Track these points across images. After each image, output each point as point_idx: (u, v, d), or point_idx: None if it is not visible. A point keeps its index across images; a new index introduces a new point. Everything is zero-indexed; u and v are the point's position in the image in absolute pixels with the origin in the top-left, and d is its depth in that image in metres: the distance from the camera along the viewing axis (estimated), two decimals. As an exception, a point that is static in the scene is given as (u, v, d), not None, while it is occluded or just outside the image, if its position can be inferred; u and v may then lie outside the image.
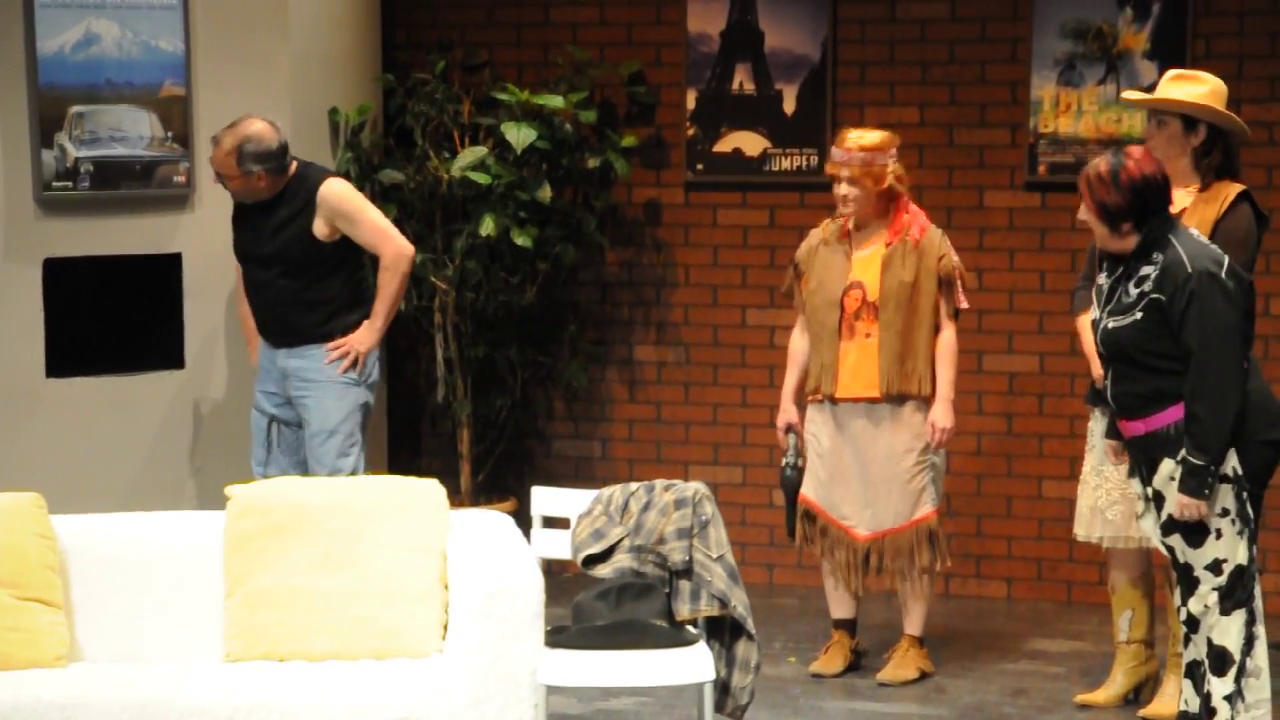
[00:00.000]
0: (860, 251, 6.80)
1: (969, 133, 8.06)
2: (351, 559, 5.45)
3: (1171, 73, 6.34)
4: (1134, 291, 5.55)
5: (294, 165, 7.00)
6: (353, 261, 7.04)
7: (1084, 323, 6.42)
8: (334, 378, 6.96)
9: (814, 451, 6.88)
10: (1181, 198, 6.19)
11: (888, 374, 6.71)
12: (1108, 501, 6.41)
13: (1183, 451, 5.49)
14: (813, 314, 6.85)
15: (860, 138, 6.78)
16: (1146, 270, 5.53)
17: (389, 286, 6.96)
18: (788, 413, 6.93)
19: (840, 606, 6.97)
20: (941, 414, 6.72)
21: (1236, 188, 6.16)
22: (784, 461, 6.89)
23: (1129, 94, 6.54)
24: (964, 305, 6.80)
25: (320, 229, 6.92)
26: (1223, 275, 5.48)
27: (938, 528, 6.81)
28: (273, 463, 7.12)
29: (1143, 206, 5.52)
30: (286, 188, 6.96)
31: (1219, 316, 5.45)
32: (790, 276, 6.99)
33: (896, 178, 6.76)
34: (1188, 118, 6.20)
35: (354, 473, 6.92)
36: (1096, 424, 6.43)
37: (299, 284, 6.95)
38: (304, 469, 7.04)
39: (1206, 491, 5.48)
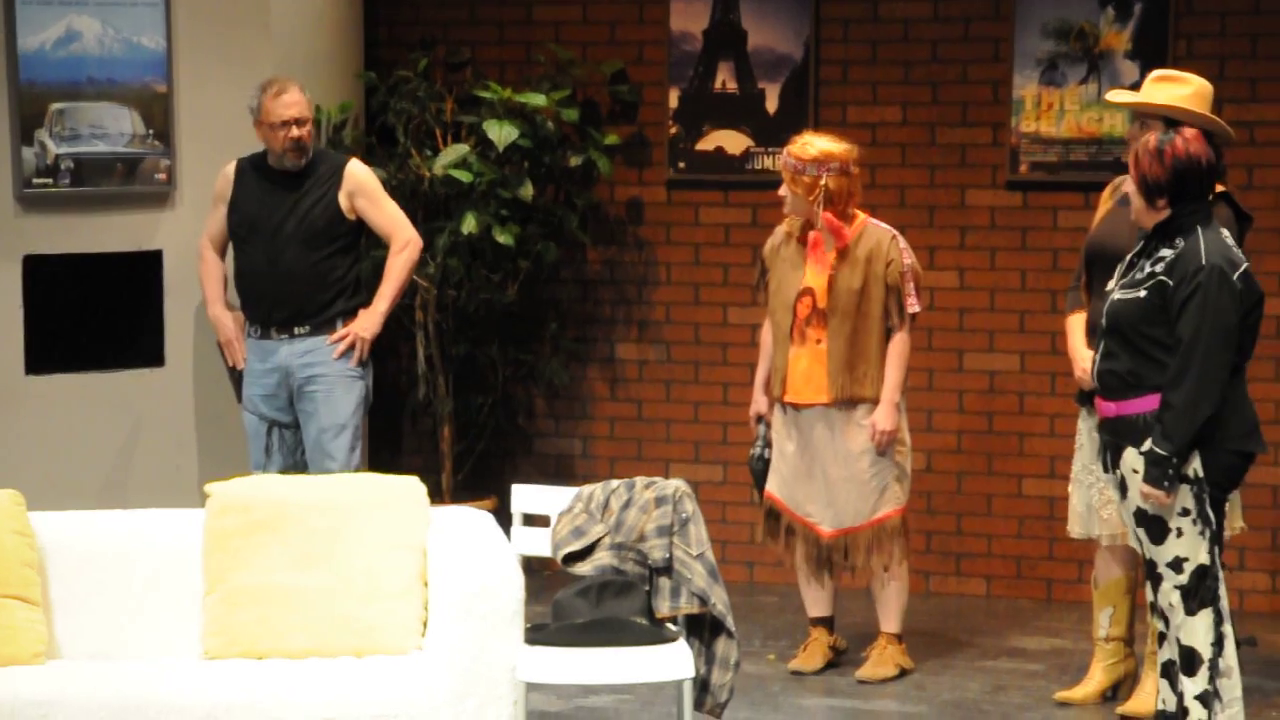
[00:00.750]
0: (812, 257, 6.82)
1: (951, 132, 8.07)
2: (331, 556, 5.45)
3: (1156, 73, 6.34)
4: (1147, 270, 5.59)
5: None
6: (357, 249, 7.12)
7: (1073, 322, 6.43)
8: (341, 370, 6.98)
9: (779, 451, 6.90)
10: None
11: (838, 380, 6.75)
12: (1101, 500, 6.42)
13: (1149, 440, 5.51)
14: (771, 314, 6.92)
15: (804, 146, 6.79)
16: (1165, 252, 5.56)
17: (398, 272, 7.05)
18: (758, 402, 6.99)
19: (817, 604, 6.99)
20: (883, 416, 6.74)
21: (1216, 188, 6.18)
22: (752, 453, 6.92)
23: (1114, 95, 6.54)
24: (913, 309, 6.79)
25: (345, 204, 7.00)
26: (1234, 277, 5.50)
27: (899, 527, 6.82)
28: (271, 466, 7.12)
29: (1181, 185, 5.54)
30: (315, 160, 7.03)
31: (1219, 314, 5.47)
32: (758, 271, 7.02)
33: (829, 191, 6.73)
34: (1169, 120, 6.21)
35: (360, 467, 6.96)
36: (1084, 423, 6.44)
37: (315, 257, 6.96)
38: (302, 469, 7.01)
39: (1167, 483, 5.49)
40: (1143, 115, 6.23)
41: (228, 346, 7.24)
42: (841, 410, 6.77)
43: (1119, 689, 6.59)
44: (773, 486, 6.91)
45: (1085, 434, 6.43)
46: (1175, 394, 5.48)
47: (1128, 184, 5.72)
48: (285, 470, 7.05)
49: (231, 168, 7.17)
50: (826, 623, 7.01)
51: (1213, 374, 5.48)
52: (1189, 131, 5.62)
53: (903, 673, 6.90)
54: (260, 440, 7.14)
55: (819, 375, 6.77)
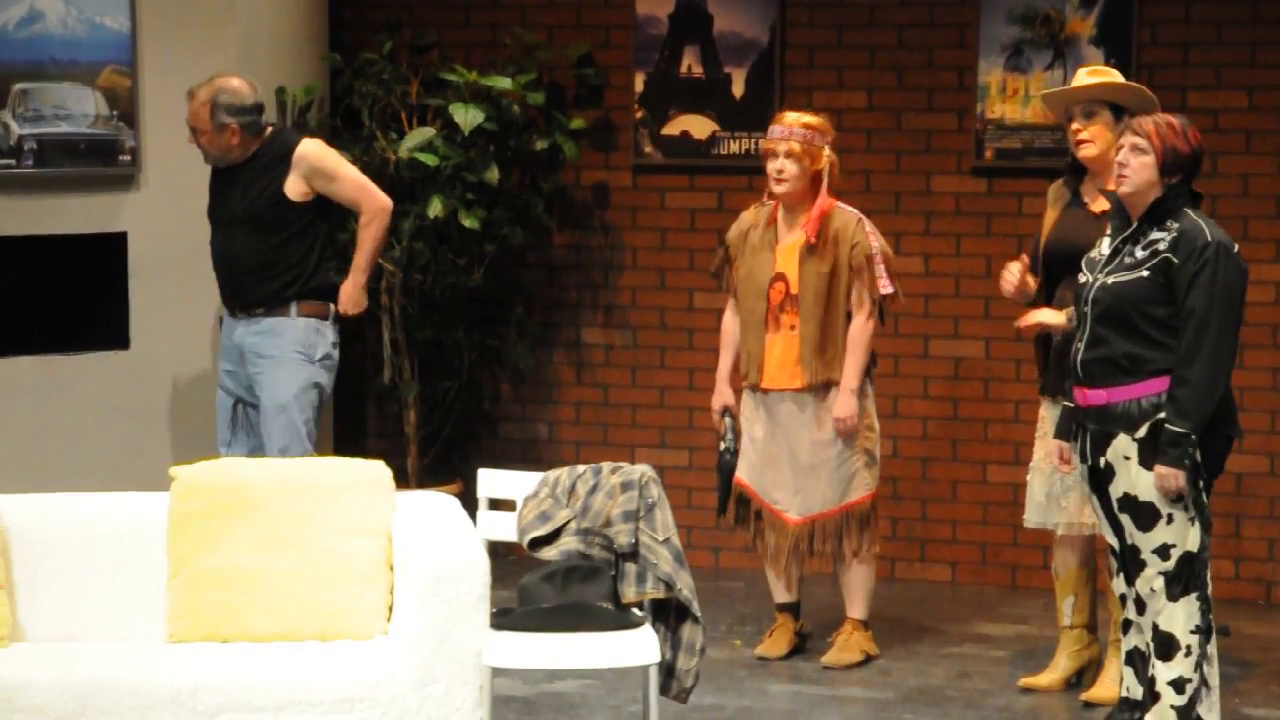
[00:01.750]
0: (783, 243, 6.82)
1: (917, 117, 8.08)
2: (296, 540, 5.43)
3: (1085, 69, 6.48)
4: (1142, 253, 5.59)
5: (269, 130, 7.00)
6: (320, 229, 7.01)
7: (1026, 316, 6.43)
8: (288, 353, 6.94)
9: (748, 437, 6.91)
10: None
11: (810, 365, 6.75)
12: (1062, 488, 6.44)
13: (1163, 422, 5.49)
14: (742, 302, 6.90)
15: (800, 117, 6.81)
16: (1158, 235, 5.57)
17: (368, 242, 6.99)
18: (723, 395, 6.97)
19: (782, 590, 6.99)
20: (840, 404, 6.74)
21: None
22: (722, 445, 6.91)
23: (1048, 92, 6.60)
24: (885, 290, 6.78)
25: (293, 188, 6.91)
26: (1235, 252, 5.54)
27: (869, 512, 6.83)
28: (236, 443, 7.09)
29: (1194, 167, 5.61)
30: (260, 149, 6.93)
31: (1228, 288, 5.50)
32: (720, 257, 7.01)
33: (830, 163, 6.76)
34: (1116, 108, 6.28)
35: (305, 453, 6.89)
36: (1048, 411, 6.45)
37: (263, 245, 6.91)
38: (263, 451, 6.99)
39: (1187, 462, 5.49)
40: (1089, 104, 6.30)
41: None
42: (813, 395, 6.77)
43: (1083, 675, 6.61)
44: (742, 472, 6.91)
45: (1049, 422, 6.44)
46: (1191, 370, 5.46)
47: (1125, 155, 5.65)
48: (252, 450, 7.02)
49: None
50: (792, 609, 7.02)
51: (1226, 348, 5.50)
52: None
53: (868, 658, 6.91)
54: (226, 415, 7.13)
55: (792, 361, 6.77)
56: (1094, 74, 6.40)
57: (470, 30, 8.55)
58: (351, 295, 7.01)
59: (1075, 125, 6.35)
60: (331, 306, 7.03)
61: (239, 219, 6.95)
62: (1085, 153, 6.36)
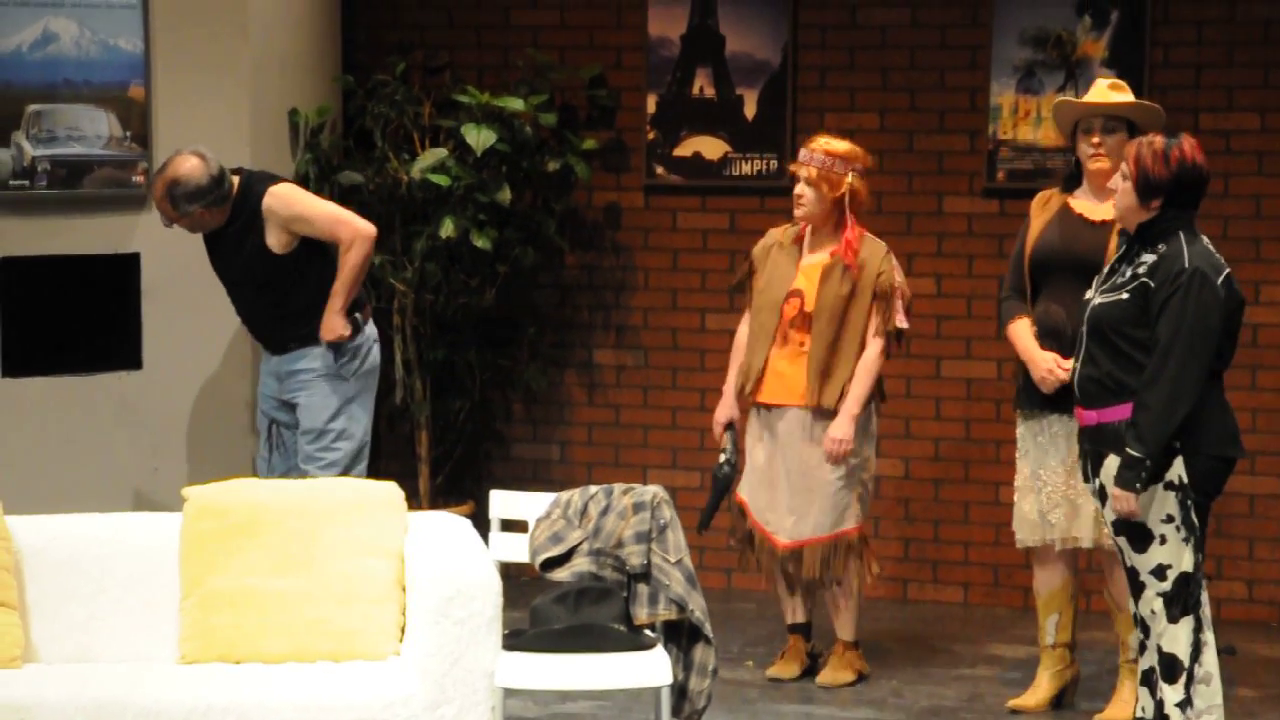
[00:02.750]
0: (806, 260, 6.83)
1: (929, 139, 8.09)
2: (308, 561, 5.44)
3: (1106, 82, 6.49)
4: (1129, 273, 5.60)
5: (235, 183, 6.91)
6: (318, 266, 6.95)
7: (1017, 329, 6.44)
8: (317, 376, 6.93)
9: (748, 455, 6.92)
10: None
11: (813, 386, 6.75)
12: (1049, 505, 6.45)
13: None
14: (756, 313, 6.91)
15: (828, 143, 6.81)
16: (1147, 257, 5.58)
17: (348, 266, 6.87)
18: (728, 409, 6.99)
19: (793, 612, 7.00)
20: (837, 425, 6.73)
21: None
22: (722, 458, 6.92)
23: (1064, 101, 6.63)
24: (902, 325, 6.80)
25: (274, 240, 6.86)
26: (1218, 282, 5.52)
27: (858, 544, 6.83)
28: (274, 462, 7.12)
29: (1178, 189, 5.57)
30: (235, 207, 6.90)
31: (1198, 317, 5.48)
32: (744, 270, 7.02)
33: (852, 191, 6.76)
34: (1132, 125, 6.31)
35: (346, 470, 6.90)
36: (1027, 430, 6.46)
37: (269, 299, 6.95)
38: (300, 471, 6.98)
39: (1138, 486, 5.50)
40: (1111, 119, 6.33)
41: None
42: (814, 416, 6.77)
43: (1064, 695, 6.61)
44: (742, 490, 6.93)
45: (1030, 440, 6.45)
46: (1150, 395, 5.49)
47: (1116, 180, 5.69)
48: (287, 471, 7.01)
49: None
50: (803, 630, 7.02)
51: (1189, 377, 5.49)
52: (1192, 140, 5.66)
53: (861, 677, 6.92)
54: (264, 434, 7.17)
55: (797, 378, 6.78)
56: (1115, 88, 6.41)
57: (483, 52, 8.57)
58: (328, 322, 6.92)
59: (1095, 139, 6.36)
60: (357, 317, 7.01)
61: (239, 280, 6.99)
62: (1099, 165, 6.37)
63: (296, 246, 6.89)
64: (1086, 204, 6.44)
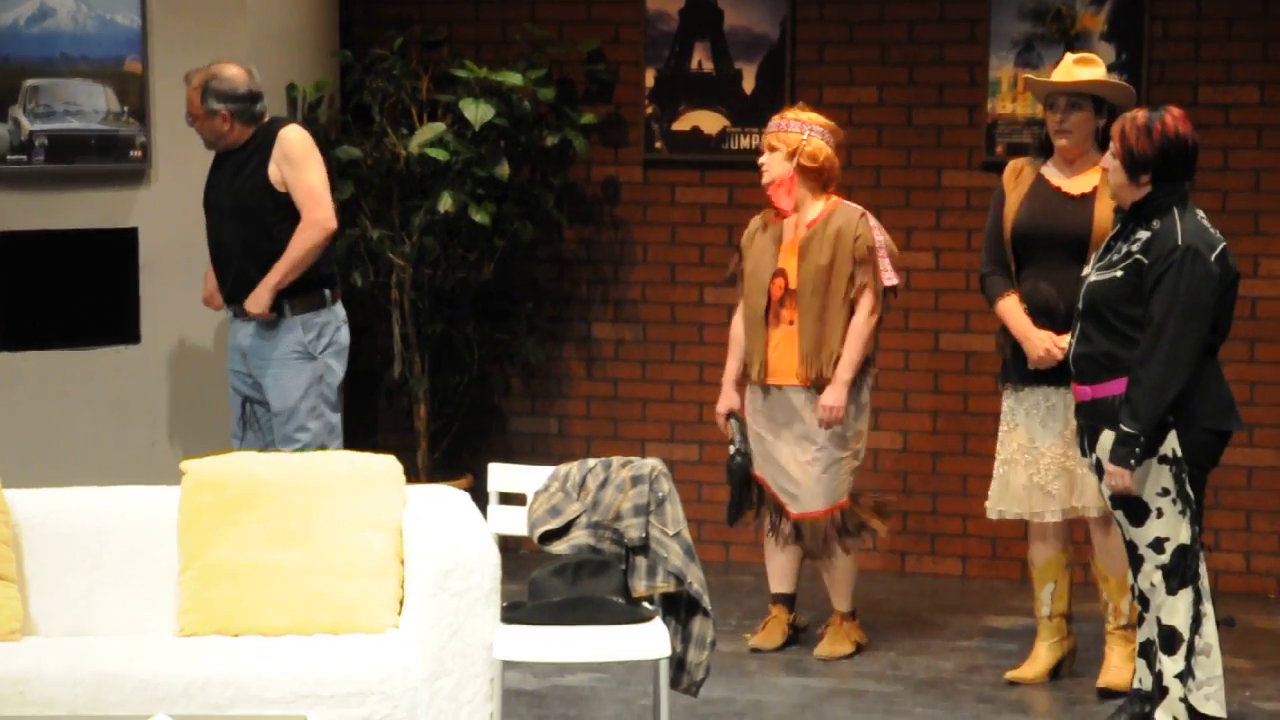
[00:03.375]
0: (786, 240, 6.86)
1: (927, 113, 8.08)
2: (307, 534, 5.44)
3: (1073, 56, 6.50)
4: (1123, 250, 5.61)
5: (266, 117, 6.98)
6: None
7: (1008, 306, 6.43)
8: (287, 354, 6.93)
9: (753, 432, 6.93)
10: (1089, 179, 6.35)
11: (806, 360, 6.78)
12: (1049, 476, 6.44)
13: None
14: (746, 299, 6.94)
15: (788, 112, 6.94)
16: (1142, 234, 5.59)
17: (296, 247, 6.83)
18: (728, 399, 7.00)
19: (779, 581, 7.03)
20: (829, 392, 6.75)
21: None
22: (732, 449, 6.92)
23: (1030, 76, 6.64)
24: (889, 282, 6.80)
25: (275, 174, 6.88)
26: (1211, 258, 5.52)
27: (851, 515, 6.85)
28: (247, 440, 7.10)
29: (1165, 163, 5.58)
30: (253, 135, 6.93)
31: (1192, 293, 5.49)
32: (735, 262, 7.04)
33: (809, 156, 6.78)
34: (1097, 100, 6.32)
35: (321, 446, 6.89)
36: (1018, 403, 6.46)
37: (250, 230, 6.87)
38: (274, 448, 6.98)
39: (1133, 462, 5.51)
40: (1074, 96, 6.34)
41: (208, 300, 7.20)
42: (810, 392, 6.78)
43: (1062, 666, 6.63)
44: (757, 468, 6.94)
45: (1022, 413, 6.46)
46: (1144, 371, 5.50)
47: (1107, 159, 5.72)
48: (264, 447, 7.02)
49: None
50: (787, 601, 7.05)
51: (1182, 353, 5.49)
52: (1176, 111, 5.65)
53: (859, 648, 6.94)
54: (237, 411, 7.14)
55: (791, 356, 6.80)
56: (1081, 63, 6.42)
57: (480, 26, 8.56)
58: (256, 295, 6.87)
59: (1058, 116, 6.39)
60: (328, 293, 7.00)
61: (226, 207, 6.94)
62: (1061, 141, 6.40)
63: (287, 197, 6.88)
64: (1061, 178, 6.45)
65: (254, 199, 6.87)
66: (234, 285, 6.98)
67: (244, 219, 6.89)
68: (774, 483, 6.90)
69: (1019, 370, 6.44)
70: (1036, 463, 6.45)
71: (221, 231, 6.97)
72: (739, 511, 6.96)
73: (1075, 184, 6.40)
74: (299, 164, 6.88)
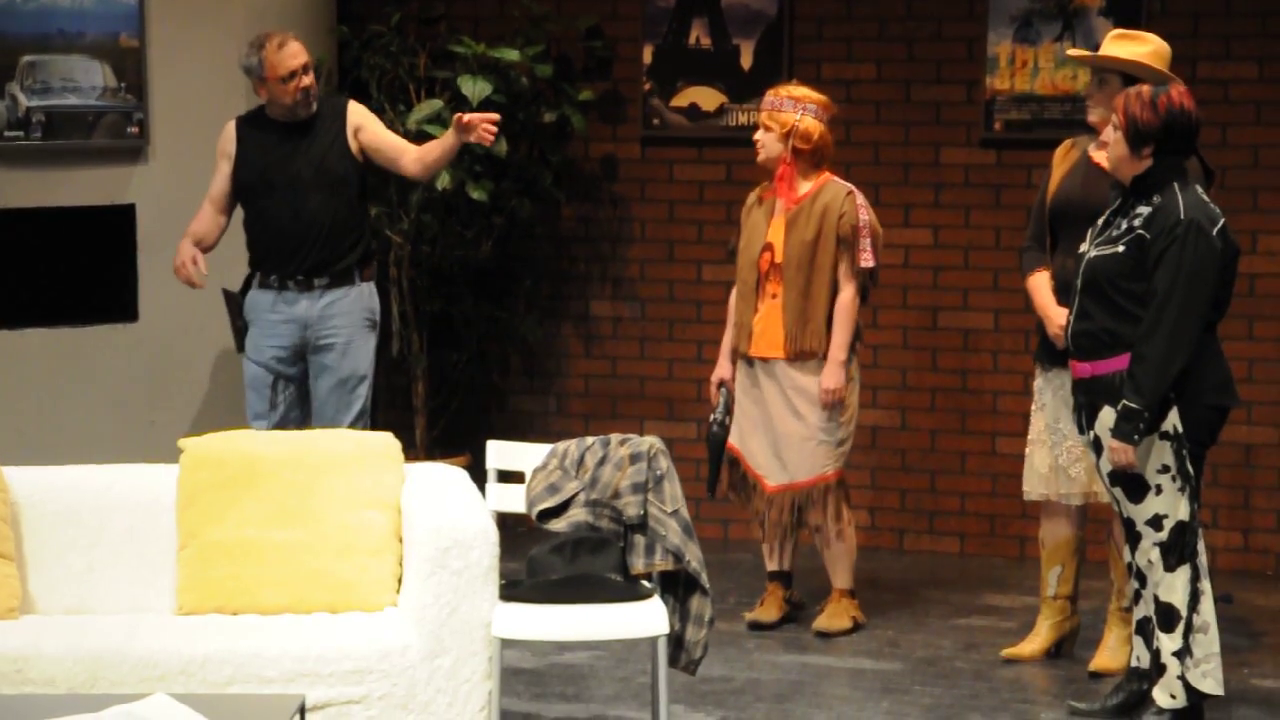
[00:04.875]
0: (776, 215, 6.87)
1: (926, 89, 8.07)
2: (305, 512, 5.44)
3: (1115, 32, 6.45)
4: (1124, 225, 5.60)
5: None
6: (362, 208, 7.05)
7: (1037, 281, 6.43)
8: (360, 322, 6.93)
9: (738, 405, 6.98)
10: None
11: (791, 333, 6.81)
12: (1070, 459, 6.43)
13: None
14: (739, 273, 6.98)
15: (782, 88, 6.93)
16: (1142, 209, 5.58)
17: (435, 146, 6.96)
18: (722, 368, 7.05)
19: (773, 559, 7.04)
20: (828, 375, 6.78)
21: None
22: (712, 417, 6.97)
23: (1074, 51, 6.58)
24: (865, 264, 6.80)
25: (354, 144, 6.94)
26: (1213, 233, 5.52)
27: (836, 488, 6.86)
28: (274, 418, 7.01)
29: (1169, 135, 5.57)
30: (322, 106, 6.95)
31: (1194, 268, 5.48)
32: (735, 236, 7.06)
33: (802, 137, 6.79)
34: (1128, 76, 6.26)
35: (369, 419, 6.95)
36: (1046, 383, 6.45)
37: (339, 202, 6.88)
38: (306, 423, 6.93)
39: (1136, 438, 5.51)
40: (1101, 72, 6.27)
41: (181, 268, 6.88)
42: (794, 365, 6.81)
43: (1062, 646, 6.64)
44: (734, 438, 6.97)
45: (1049, 394, 6.44)
46: (1148, 346, 5.49)
47: (1108, 133, 5.71)
48: (284, 424, 6.97)
49: (231, 125, 7.01)
50: (783, 578, 7.07)
51: (1186, 328, 5.49)
52: (1181, 86, 5.65)
53: (857, 625, 6.96)
54: (264, 392, 7.00)
55: (776, 329, 6.83)
56: (1121, 39, 6.34)
57: (478, 2, 8.54)
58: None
59: (1086, 92, 6.39)
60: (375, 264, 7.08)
61: (311, 181, 6.86)
62: (1090, 117, 6.38)
63: (363, 160, 6.97)
64: (1101, 154, 6.43)
65: (342, 170, 6.89)
66: (313, 261, 6.90)
67: (332, 190, 6.87)
68: (754, 457, 6.92)
69: (1047, 351, 6.40)
70: (1060, 444, 6.43)
71: (303, 207, 6.86)
72: (716, 480, 7.00)
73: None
74: (376, 121, 7.02)
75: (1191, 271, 5.48)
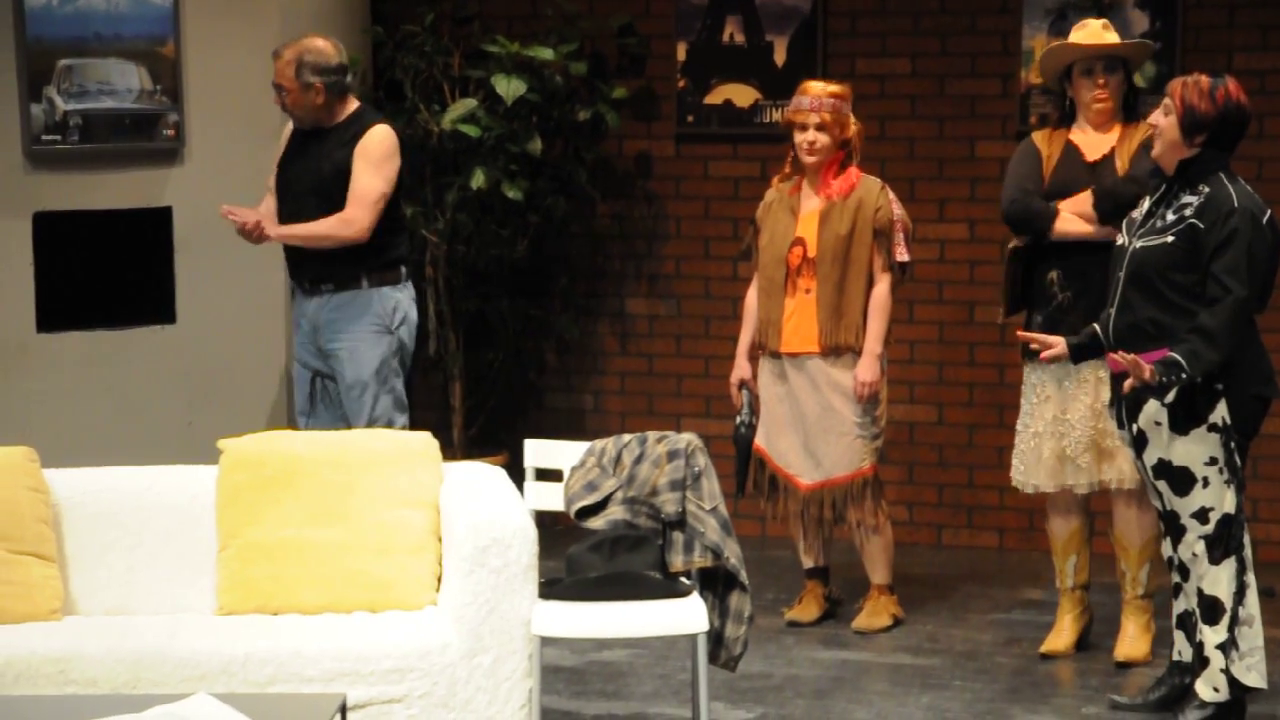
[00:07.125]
0: (804, 209, 6.85)
1: (960, 83, 8.05)
2: (344, 512, 5.46)
3: (1097, 22, 6.51)
4: (1171, 217, 5.58)
5: (356, 102, 6.95)
6: (385, 212, 6.89)
7: (1066, 223, 6.39)
8: (365, 327, 6.90)
9: (764, 402, 6.94)
10: (1107, 140, 6.39)
11: (825, 328, 6.80)
12: (1078, 449, 6.44)
13: (1189, 386, 5.47)
14: (763, 270, 6.94)
15: (827, 86, 6.88)
16: (1189, 199, 5.57)
17: (318, 229, 6.78)
18: (741, 369, 7.02)
19: (809, 556, 7.03)
20: (864, 368, 6.77)
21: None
22: (738, 419, 6.95)
23: (1062, 45, 6.63)
24: (902, 258, 6.80)
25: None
26: (1264, 221, 5.52)
27: (873, 482, 6.85)
28: (316, 416, 7.03)
29: (1223, 127, 5.57)
30: (346, 119, 6.89)
31: (1256, 252, 5.48)
32: (751, 235, 7.04)
33: (859, 135, 6.85)
34: (1124, 62, 6.38)
35: (389, 423, 6.87)
36: (1047, 375, 6.44)
37: (329, 215, 6.83)
38: (347, 423, 6.96)
39: (1165, 380, 5.42)
40: (1110, 60, 6.39)
41: (244, 225, 6.84)
42: (827, 360, 6.79)
43: (1085, 637, 6.64)
44: (760, 439, 6.95)
45: (1053, 386, 6.44)
46: (1211, 319, 5.45)
47: (1157, 116, 5.66)
48: (335, 423, 6.95)
49: (289, 126, 7.03)
50: (820, 574, 7.06)
51: (1246, 311, 5.50)
52: (1235, 80, 5.65)
53: (896, 621, 6.95)
54: (305, 387, 7.05)
55: (809, 325, 6.82)
56: (1108, 29, 6.47)
57: (511, 1, 8.54)
58: (270, 234, 6.81)
59: (1100, 80, 6.39)
60: (403, 269, 6.99)
61: (307, 189, 6.88)
62: (1105, 106, 6.41)
63: None
64: (1084, 143, 6.44)
65: (335, 184, 6.82)
66: (312, 269, 6.91)
67: (326, 202, 6.83)
68: (782, 460, 6.90)
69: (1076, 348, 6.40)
70: (1069, 434, 6.44)
71: (300, 213, 6.88)
72: (744, 481, 6.98)
73: (1094, 148, 6.41)
74: (371, 164, 6.82)
75: (1254, 254, 5.47)
